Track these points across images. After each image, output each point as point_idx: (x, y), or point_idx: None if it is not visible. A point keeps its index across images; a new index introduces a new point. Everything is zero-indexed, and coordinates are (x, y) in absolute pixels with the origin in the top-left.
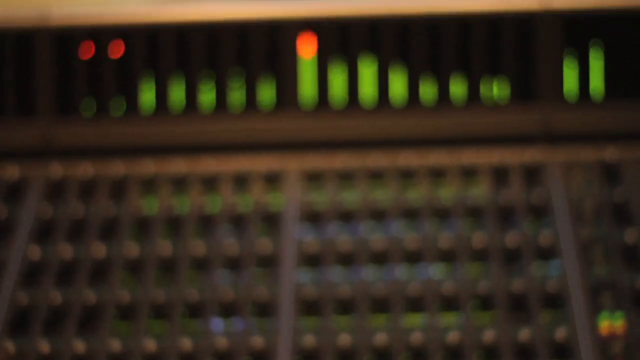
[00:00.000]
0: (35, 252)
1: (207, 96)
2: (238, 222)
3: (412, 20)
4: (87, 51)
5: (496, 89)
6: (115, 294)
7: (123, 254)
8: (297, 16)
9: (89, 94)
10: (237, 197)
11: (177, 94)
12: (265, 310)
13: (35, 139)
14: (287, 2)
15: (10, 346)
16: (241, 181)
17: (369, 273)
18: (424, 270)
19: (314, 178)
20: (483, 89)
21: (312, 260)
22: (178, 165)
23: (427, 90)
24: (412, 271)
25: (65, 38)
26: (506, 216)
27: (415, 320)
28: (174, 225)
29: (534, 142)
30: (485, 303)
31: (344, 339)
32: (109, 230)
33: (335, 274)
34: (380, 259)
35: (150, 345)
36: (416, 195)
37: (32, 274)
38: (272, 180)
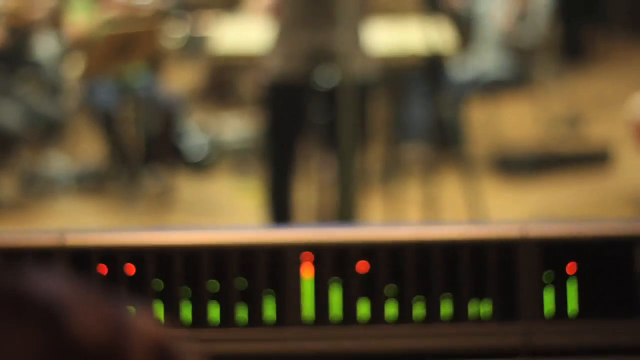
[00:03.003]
0: None
1: (214, 311)
2: None
3: (404, 246)
4: (101, 270)
5: (481, 308)
6: None
7: None
8: (299, 240)
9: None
10: None
11: (186, 309)
12: None
13: None
14: (290, 228)
15: None
16: None
17: None
18: None
19: None
20: (469, 308)
21: None
22: None
23: (418, 308)
24: None
25: (81, 258)
26: None
27: None
28: None
29: (516, 356)
30: None
31: None
32: None
33: None
34: None
35: None
36: None
37: None
38: None
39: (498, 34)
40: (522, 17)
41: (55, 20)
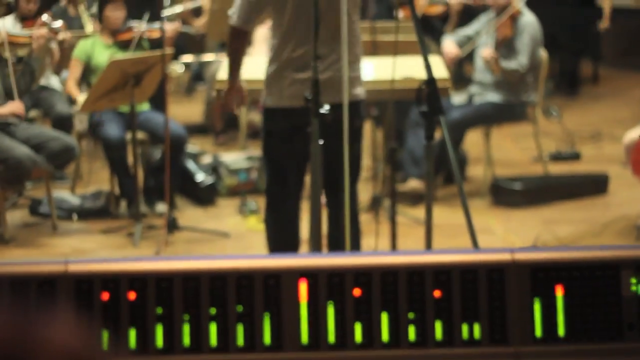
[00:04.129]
0: None
1: (213, 335)
2: None
3: (396, 272)
4: (104, 297)
5: (472, 329)
6: None
7: None
8: (295, 267)
9: (105, 330)
10: None
11: (185, 333)
12: None
13: None
14: (286, 255)
15: None
16: None
17: None
18: None
19: None
20: (461, 329)
21: None
22: None
23: (410, 331)
24: None
25: (84, 285)
26: None
27: None
28: None
29: None
30: None
31: None
32: None
33: None
34: None
35: None
36: None
37: None
38: None
39: (488, 65)
40: (506, 46)
41: (60, 61)
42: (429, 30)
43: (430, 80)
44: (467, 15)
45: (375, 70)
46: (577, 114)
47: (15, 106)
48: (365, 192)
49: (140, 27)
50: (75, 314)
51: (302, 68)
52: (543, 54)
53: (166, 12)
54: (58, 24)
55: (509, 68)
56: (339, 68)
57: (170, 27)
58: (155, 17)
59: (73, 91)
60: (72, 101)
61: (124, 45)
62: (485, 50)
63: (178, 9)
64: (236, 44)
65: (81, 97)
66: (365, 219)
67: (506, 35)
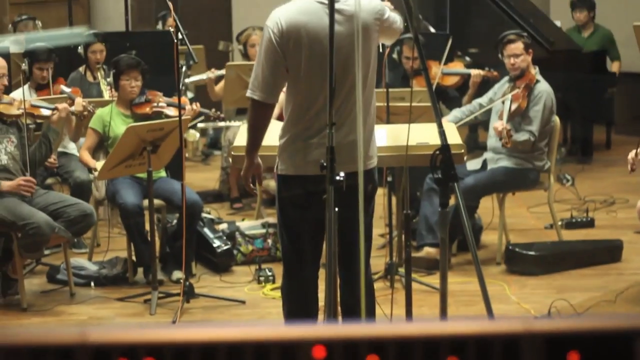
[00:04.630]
0: None
1: None
2: None
3: (412, 341)
4: None
5: None
6: None
7: None
8: (310, 336)
9: None
10: None
11: None
12: None
13: None
14: (301, 324)
15: None
16: None
17: None
18: None
19: None
20: None
21: None
22: None
23: None
24: None
25: (102, 355)
26: None
27: None
28: None
29: None
30: None
31: None
32: None
33: None
34: None
35: None
36: None
37: None
38: None
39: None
40: (519, 116)
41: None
42: (444, 99)
43: (445, 147)
44: (483, 84)
45: (389, 136)
46: (590, 180)
47: (22, 182)
48: (379, 259)
49: (159, 103)
50: None
51: (315, 136)
52: (556, 120)
53: (186, 81)
54: (68, 89)
55: (520, 140)
56: (353, 136)
57: (189, 108)
58: (174, 86)
59: (87, 159)
60: (90, 168)
61: (141, 120)
62: (496, 124)
63: (202, 76)
64: (260, 118)
65: (98, 165)
66: (379, 286)
67: (521, 107)
